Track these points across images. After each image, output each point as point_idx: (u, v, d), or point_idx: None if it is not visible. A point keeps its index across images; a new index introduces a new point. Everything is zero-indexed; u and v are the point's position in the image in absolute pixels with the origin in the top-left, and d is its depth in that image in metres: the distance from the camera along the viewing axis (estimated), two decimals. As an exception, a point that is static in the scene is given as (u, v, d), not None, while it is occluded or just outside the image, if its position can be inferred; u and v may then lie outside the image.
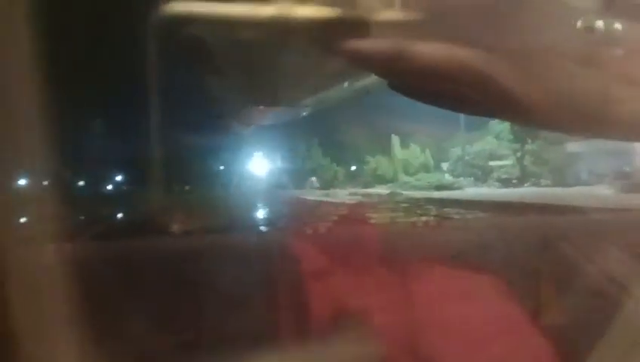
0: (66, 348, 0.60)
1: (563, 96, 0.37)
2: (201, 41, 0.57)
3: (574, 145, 9.18)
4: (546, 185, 9.34)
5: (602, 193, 7.69)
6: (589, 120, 0.38)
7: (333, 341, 0.63)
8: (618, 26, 0.38)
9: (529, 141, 9.54)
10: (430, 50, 0.37)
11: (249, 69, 0.59)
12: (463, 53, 0.37)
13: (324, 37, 0.43)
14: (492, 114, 0.42)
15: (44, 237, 0.89)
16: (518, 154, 9.64)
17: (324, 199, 8.24)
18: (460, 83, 0.38)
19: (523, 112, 0.38)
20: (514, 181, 9.67)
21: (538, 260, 0.93)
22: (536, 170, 9.65)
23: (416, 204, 7.01)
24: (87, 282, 0.73)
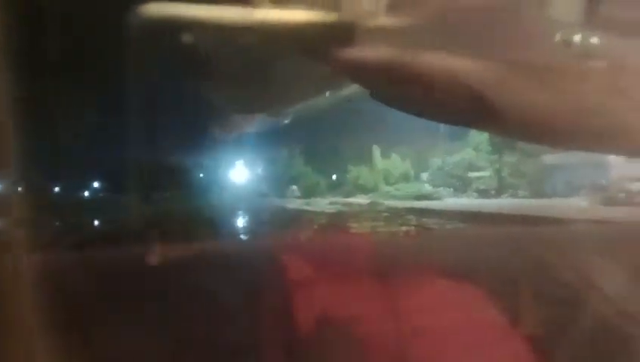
0: (41, 359, 0.58)
1: (551, 108, 0.37)
2: (183, 47, 0.56)
3: (551, 158, 9.32)
4: (524, 197, 9.46)
5: (578, 205, 7.82)
6: (577, 131, 0.39)
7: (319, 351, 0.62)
8: (595, 39, 0.38)
9: (507, 153, 9.66)
10: (425, 60, 0.37)
11: (231, 76, 0.59)
12: (456, 65, 0.37)
13: (311, 44, 0.42)
14: (476, 124, 0.42)
15: (18, 245, 0.87)
16: (497, 165, 9.75)
17: (305, 208, 8.22)
18: (451, 93, 0.38)
19: (510, 124, 0.38)
20: (492, 192, 9.77)
21: (516, 270, 0.93)
22: (513, 181, 9.76)
23: (396, 214, 7.04)
24: (64, 292, 0.71)
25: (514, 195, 9.69)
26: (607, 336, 0.60)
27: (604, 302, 0.68)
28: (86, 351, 0.61)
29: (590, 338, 0.60)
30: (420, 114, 0.41)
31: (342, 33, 0.41)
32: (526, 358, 0.63)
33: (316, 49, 0.42)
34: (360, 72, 0.41)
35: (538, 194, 9.40)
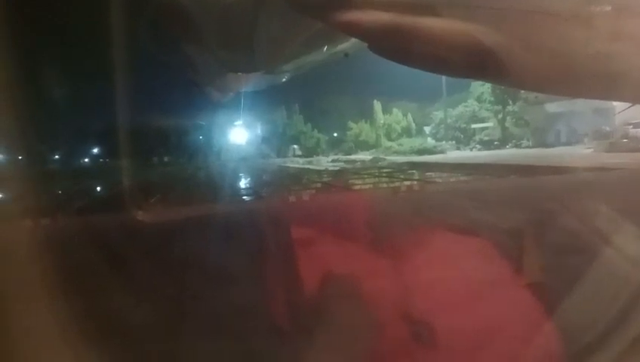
0: (47, 324, 0.59)
1: (552, 55, 0.36)
2: (177, 4, 0.54)
3: (554, 106, 9.26)
4: (527, 147, 9.45)
5: (582, 152, 7.82)
6: (576, 77, 0.38)
7: (325, 309, 0.62)
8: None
9: (510, 103, 9.60)
10: (430, 25, 0.36)
11: (225, 34, 0.57)
12: (461, 27, 0.36)
13: (308, 2, 0.40)
14: (480, 76, 0.40)
15: (21, 213, 0.87)
16: (500, 116, 9.71)
17: (307, 167, 8.23)
18: (454, 49, 0.37)
19: (514, 74, 0.37)
20: (496, 143, 9.76)
21: (522, 220, 0.93)
22: (517, 131, 9.74)
23: (399, 169, 7.04)
24: (67, 258, 0.71)
25: (517, 145, 9.68)
26: (613, 283, 0.60)
27: (610, 249, 0.68)
28: (89, 313, 0.61)
29: (596, 286, 0.60)
30: (421, 67, 0.40)
31: None
32: (532, 309, 0.64)
33: (311, 5, 0.40)
34: (358, 32, 0.39)
35: (541, 143, 9.39)
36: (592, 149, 7.80)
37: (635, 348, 0.54)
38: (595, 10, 0.36)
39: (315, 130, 10.19)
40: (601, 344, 0.54)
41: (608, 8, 0.36)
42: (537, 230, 0.87)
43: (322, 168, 7.74)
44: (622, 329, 0.54)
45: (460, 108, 10.24)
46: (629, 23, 0.36)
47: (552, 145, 9.17)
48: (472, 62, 0.37)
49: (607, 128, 8.31)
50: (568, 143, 9.08)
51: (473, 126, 10.22)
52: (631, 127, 7.68)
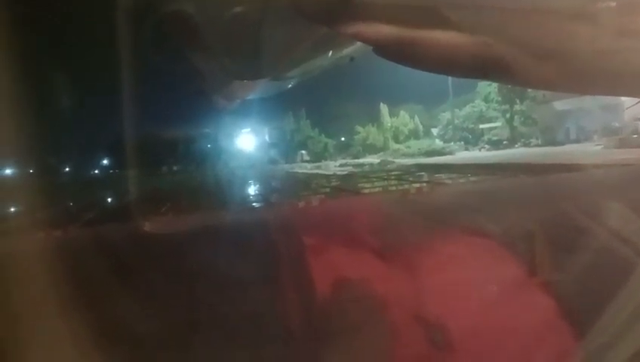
0: (60, 335, 0.59)
1: (559, 52, 0.36)
2: (182, 14, 0.55)
3: (562, 104, 9.22)
4: (536, 145, 9.40)
5: (592, 149, 7.77)
6: (583, 74, 0.37)
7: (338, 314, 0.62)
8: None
9: (517, 102, 9.56)
10: (439, 38, 0.36)
11: (232, 41, 0.57)
12: (470, 40, 0.36)
13: (310, 6, 0.40)
14: (487, 76, 0.40)
15: (32, 225, 0.88)
16: (508, 115, 9.68)
17: (315, 172, 8.23)
18: (458, 55, 0.37)
19: (520, 72, 0.37)
20: (504, 142, 9.73)
21: (533, 220, 0.93)
22: (525, 130, 9.70)
23: (407, 172, 7.02)
24: (79, 269, 0.72)
25: (526, 144, 9.64)
26: (627, 281, 0.59)
27: (622, 245, 0.68)
28: (102, 322, 0.62)
29: (610, 284, 0.60)
30: (427, 69, 0.40)
31: None
32: (546, 308, 0.63)
33: (318, 12, 0.40)
34: (365, 39, 0.39)
35: (550, 141, 9.34)
36: (601, 146, 7.75)
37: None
38: (600, 7, 0.36)
39: (323, 135, 10.20)
40: (615, 343, 0.53)
41: (613, 4, 0.36)
42: (549, 228, 0.87)
43: (331, 173, 7.73)
44: (637, 328, 0.53)
45: (468, 109, 10.21)
46: (635, 20, 0.35)
47: (562, 143, 9.12)
48: (479, 63, 0.37)
49: (617, 124, 8.26)
50: (578, 141, 9.03)
51: (481, 126, 10.19)
52: (640, 122, 7.63)
